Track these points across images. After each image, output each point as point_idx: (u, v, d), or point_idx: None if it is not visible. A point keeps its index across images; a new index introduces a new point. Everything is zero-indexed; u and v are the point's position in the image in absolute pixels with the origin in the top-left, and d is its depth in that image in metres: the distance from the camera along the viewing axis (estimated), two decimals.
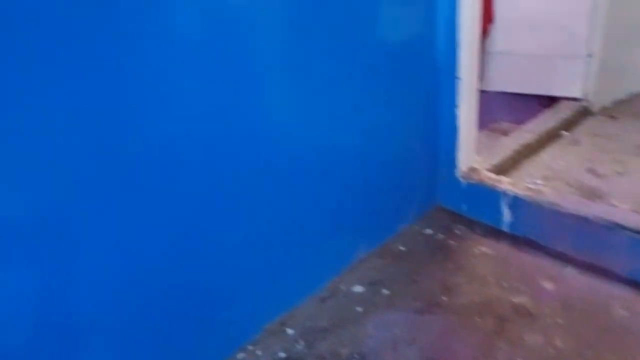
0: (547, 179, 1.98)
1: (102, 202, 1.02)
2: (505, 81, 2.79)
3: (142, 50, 1.01)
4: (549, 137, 2.36)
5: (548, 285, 1.52)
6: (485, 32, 2.63)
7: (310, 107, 1.40)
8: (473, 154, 1.92)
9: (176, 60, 1.07)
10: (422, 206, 1.93)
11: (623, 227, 1.50)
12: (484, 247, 1.73)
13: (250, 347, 1.38)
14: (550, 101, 2.69)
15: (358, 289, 1.58)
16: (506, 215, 1.77)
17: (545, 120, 2.46)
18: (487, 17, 2.62)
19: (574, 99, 2.63)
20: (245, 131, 1.25)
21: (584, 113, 2.60)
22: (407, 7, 1.62)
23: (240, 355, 1.36)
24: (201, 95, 1.14)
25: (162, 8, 1.02)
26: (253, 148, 1.28)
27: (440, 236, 1.81)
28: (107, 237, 1.05)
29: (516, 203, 1.74)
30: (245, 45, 1.19)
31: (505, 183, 1.81)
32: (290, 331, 1.42)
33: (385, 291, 1.55)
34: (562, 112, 2.56)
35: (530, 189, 1.77)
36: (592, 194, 1.86)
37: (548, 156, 2.22)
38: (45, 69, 0.88)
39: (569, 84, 2.61)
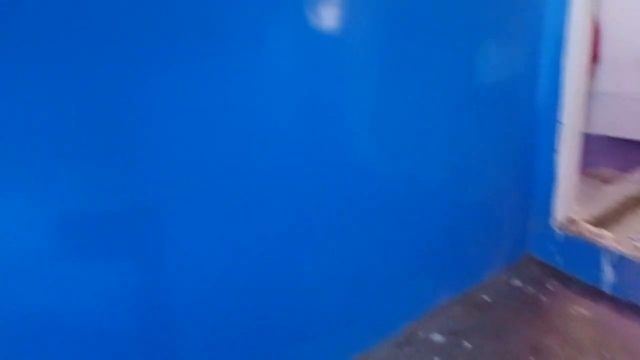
0: None
1: (200, 209, 1.05)
2: (609, 124, 2.58)
3: (244, 82, 1.05)
4: None
5: None
6: (589, 71, 2.46)
7: (398, 143, 1.37)
8: (572, 203, 1.78)
9: (270, 91, 1.09)
10: (510, 255, 1.81)
11: None
12: (581, 308, 1.57)
13: None
14: None
15: (437, 337, 1.49)
16: (608, 274, 1.61)
17: None
18: (593, 56, 2.46)
19: None
20: (330, 163, 1.24)
21: None
22: (509, 47, 1.56)
23: None
24: (290, 124, 1.15)
25: (262, 48, 1.06)
26: (337, 182, 1.27)
27: (531, 290, 1.68)
28: (200, 243, 1.07)
29: (621, 262, 1.57)
30: (337, 78, 1.19)
31: (608, 239, 1.65)
32: None
33: (466, 344, 1.46)
34: None
35: (637, 247, 1.60)
36: None
37: None
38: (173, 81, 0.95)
39: None
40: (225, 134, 1.05)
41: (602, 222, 1.85)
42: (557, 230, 1.74)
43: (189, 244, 1.06)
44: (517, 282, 1.72)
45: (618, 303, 1.58)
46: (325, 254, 1.29)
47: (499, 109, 1.58)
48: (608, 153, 2.58)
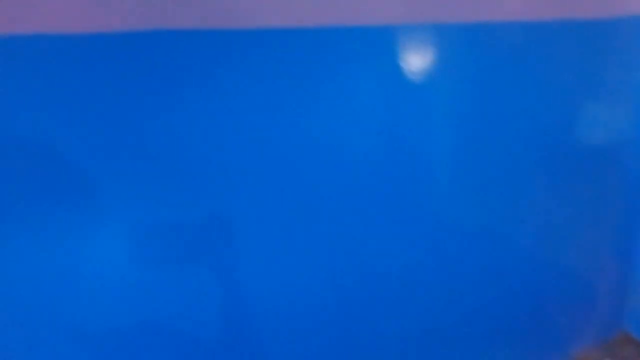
0: None
1: (279, 233, 1.08)
2: None
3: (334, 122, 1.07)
4: None
5: None
6: None
7: (484, 200, 1.29)
8: None
9: (356, 136, 1.10)
10: (603, 330, 1.64)
11: None
12: None
13: None
14: None
15: None
16: None
17: None
18: None
19: None
20: (410, 214, 1.20)
21: None
22: (614, 107, 1.44)
23: None
24: (373, 168, 1.14)
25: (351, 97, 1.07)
26: (416, 233, 1.23)
27: None
28: (278, 262, 1.09)
29: None
30: (422, 128, 1.17)
31: None
32: None
33: None
34: None
35: None
36: None
37: None
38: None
39: None
40: (312, 169, 1.07)
41: None
42: None
43: (267, 262, 1.08)
44: None
45: None
46: (396, 306, 1.25)
47: (599, 171, 1.46)
48: None
